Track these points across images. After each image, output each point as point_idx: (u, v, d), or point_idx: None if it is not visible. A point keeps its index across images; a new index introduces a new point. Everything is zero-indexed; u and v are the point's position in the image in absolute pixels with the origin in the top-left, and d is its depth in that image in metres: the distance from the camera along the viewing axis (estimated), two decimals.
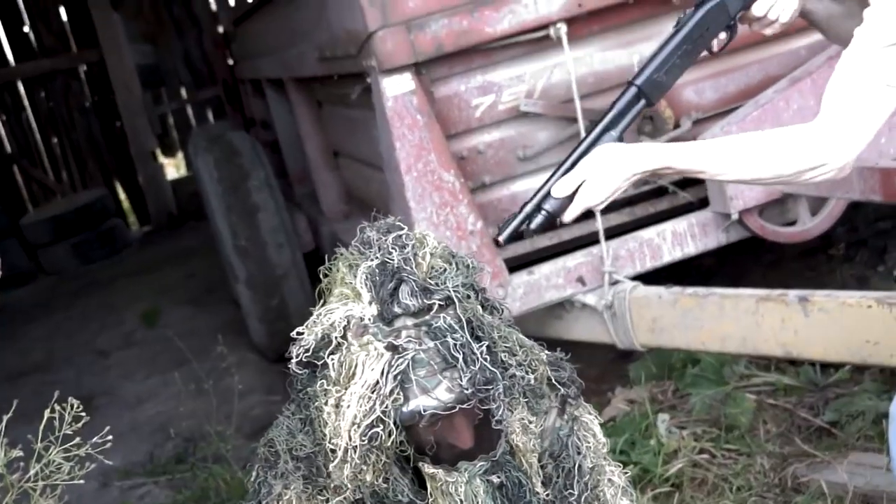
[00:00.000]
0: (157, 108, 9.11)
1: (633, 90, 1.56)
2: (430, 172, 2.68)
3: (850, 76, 1.45)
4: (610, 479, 1.56)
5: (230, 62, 6.26)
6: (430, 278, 1.33)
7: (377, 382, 1.27)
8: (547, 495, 1.47)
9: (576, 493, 1.49)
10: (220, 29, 6.50)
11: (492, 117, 2.85)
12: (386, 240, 1.35)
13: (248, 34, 5.19)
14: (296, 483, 1.46)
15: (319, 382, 1.33)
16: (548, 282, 2.83)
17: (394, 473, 1.36)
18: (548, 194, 1.51)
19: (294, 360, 1.36)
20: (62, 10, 8.72)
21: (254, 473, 1.53)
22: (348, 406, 1.28)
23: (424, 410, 1.27)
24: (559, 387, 1.51)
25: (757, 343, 2.58)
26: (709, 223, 2.91)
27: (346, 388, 1.29)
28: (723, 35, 1.60)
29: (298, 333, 1.35)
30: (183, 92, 9.32)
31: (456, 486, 1.35)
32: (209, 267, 5.72)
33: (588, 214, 2.81)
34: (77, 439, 2.03)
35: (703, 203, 2.95)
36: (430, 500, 1.38)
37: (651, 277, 2.92)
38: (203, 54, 8.47)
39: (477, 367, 1.28)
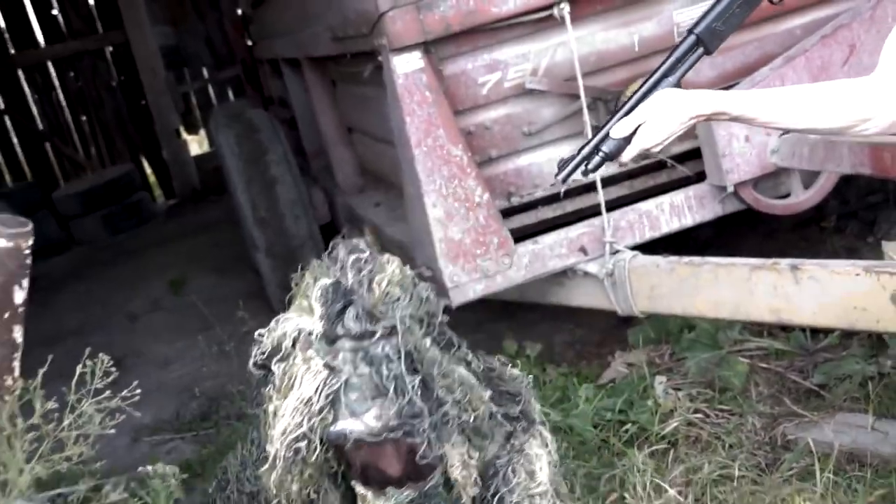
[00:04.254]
0: (180, 87, 9.22)
1: (691, 38, 1.54)
2: (439, 147, 2.70)
3: None
4: None
5: (249, 43, 6.30)
6: (381, 304, 1.31)
7: (310, 399, 1.28)
8: None
9: None
10: (239, 11, 6.59)
11: (498, 94, 2.87)
12: (348, 259, 1.34)
13: (266, 16, 5.21)
14: None
15: (268, 387, 1.35)
16: (551, 251, 2.85)
17: (324, 486, 1.37)
18: (606, 136, 1.52)
19: (251, 362, 1.39)
20: None
21: (210, 488, 1.59)
22: (282, 416, 1.30)
23: (350, 433, 1.29)
24: (505, 423, 1.47)
25: (750, 309, 2.57)
26: (705, 196, 2.92)
27: (284, 398, 1.31)
28: None
29: (259, 335, 1.38)
30: (204, 72, 9.43)
31: None
32: (232, 238, 5.82)
33: (590, 187, 2.93)
34: (107, 393, 2.17)
35: (699, 176, 2.97)
36: None
37: (650, 247, 2.96)
38: (223, 36, 8.54)
39: (406, 399, 1.27)
